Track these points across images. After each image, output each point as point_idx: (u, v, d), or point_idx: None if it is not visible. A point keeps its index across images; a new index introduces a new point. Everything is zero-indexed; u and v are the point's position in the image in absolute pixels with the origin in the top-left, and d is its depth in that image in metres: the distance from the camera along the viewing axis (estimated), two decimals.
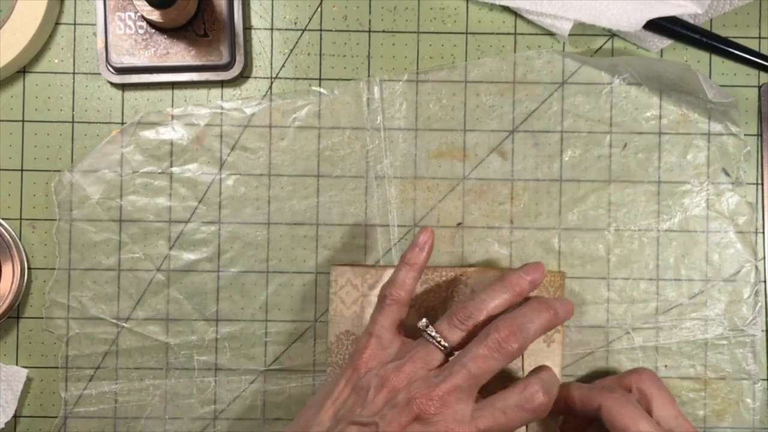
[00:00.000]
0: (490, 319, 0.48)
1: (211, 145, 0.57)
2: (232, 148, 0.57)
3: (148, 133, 0.57)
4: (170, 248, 0.57)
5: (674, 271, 0.56)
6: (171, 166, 0.57)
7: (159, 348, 0.57)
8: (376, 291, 0.53)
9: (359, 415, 0.46)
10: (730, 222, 0.57)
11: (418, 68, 0.57)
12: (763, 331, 0.57)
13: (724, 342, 0.56)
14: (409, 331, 0.50)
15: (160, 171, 0.57)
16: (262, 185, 0.57)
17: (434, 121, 0.57)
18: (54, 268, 0.56)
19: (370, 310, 0.53)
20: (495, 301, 0.49)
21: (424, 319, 0.48)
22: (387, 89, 0.57)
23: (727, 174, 0.57)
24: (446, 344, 0.48)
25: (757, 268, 0.56)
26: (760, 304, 0.56)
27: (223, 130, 0.57)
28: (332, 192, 0.57)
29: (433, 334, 0.48)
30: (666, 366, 0.56)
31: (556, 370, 0.54)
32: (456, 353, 0.48)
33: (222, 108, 0.57)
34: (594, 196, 0.57)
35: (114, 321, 0.56)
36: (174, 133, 0.57)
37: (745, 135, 0.57)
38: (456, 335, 0.48)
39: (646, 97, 0.57)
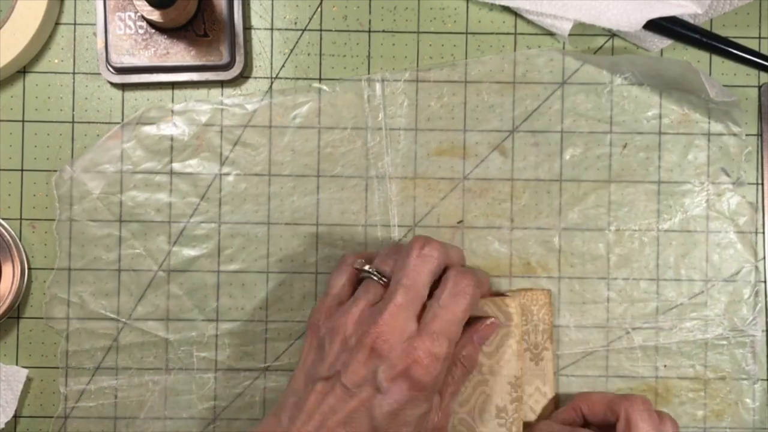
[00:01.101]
0: None
1: (211, 141, 0.57)
2: (233, 145, 0.57)
3: (149, 129, 0.57)
4: (171, 244, 0.56)
5: (674, 270, 0.56)
6: (172, 162, 0.57)
7: (159, 344, 0.57)
8: None
9: (322, 371, 0.47)
10: (730, 222, 0.57)
11: (418, 68, 0.57)
12: (763, 331, 0.57)
13: (724, 342, 0.56)
14: None
15: (160, 167, 0.57)
16: (263, 182, 0.57)
17: (435, 120, 0.57)
18: (54, 269, 0.56)
19: None
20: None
21: (360, 260, 0.50)
22: (388, 87, 0.57)
23: (727, 174, 0.57)
24: (384, 277, 0.49)
25: (757, 268, 0.56)
26: (760, 304, 0.56)
27: (224, 127, 0.57)
28: (333, 190, 0.57)
29: (369, 269, 0.49)
30: (666, 366, 0.56)
31: (548, 388, 0.54)
32: None
33: (223, 104, 0.57)
34: (594, 196, 0.57)
35: (114, 316, 0.56)
36: (175, 128, 0.57)
37: (745, 135, 0.57)
38: (391, 265, 0.49)
39: (647, 97, 0.57)
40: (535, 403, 0.54)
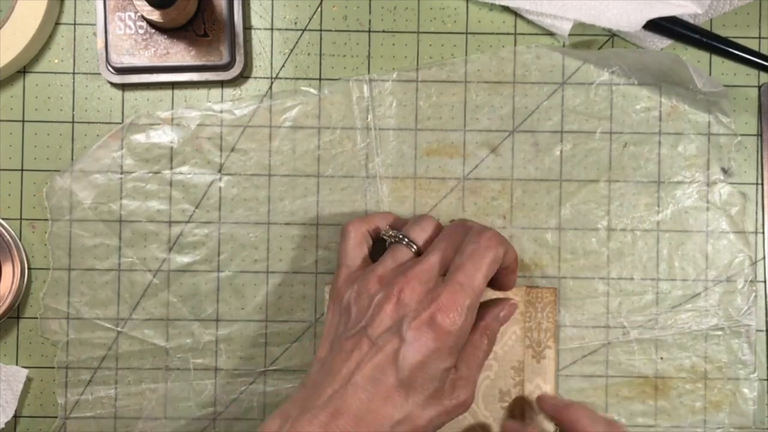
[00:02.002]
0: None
1: (202, 147, 0.57)
2: (224, 150, 0.57)
3: (139, 137, 0.57)
4: (166, 251, 0.56)
5: (668, 263, 0.57)
6: (163, 170, 0.57)
7: (155, 351, 0.57)
8: None
9: (348, 331, 0.47)
10: (722, 213, 0.57)
11: (418, 68, 0.57)
12: (762, 330, 0.57)
13: (720, 333, 0.56)
14: None
15: (151, 174, 0.57)
16: (255, 186, 0.57)
17: (425, 119, 0.57)
18: (47, 280, 0.56)
19: None
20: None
21: (386, 227, 0.51)
22: (376, 88, 0.57)
23: (719, 166, 0.57)
24: (414, 244, 0.49)
25: (750, 258, 0.56)
26: (754, 294, 0.56)
27: (214, 132, 0.57)
28: (325, 192, 0.57)
29: (400, 235, 0.50)
30: (662, 358, 0.56)
31: (549, 387, 0.54)
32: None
33: (213, 110, 0.57)
34: (586, 190, 0.57)
35: (109, 326, 0.56)
36: (165, 135, 0.57)
37: (745, 135, 0.57)
38: (424, 235, 0.50)
39: (637, 90, 0.57)
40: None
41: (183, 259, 0.57)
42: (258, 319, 0.57)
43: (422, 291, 0.46)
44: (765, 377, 0.57)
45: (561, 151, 0.57)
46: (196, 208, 0.57)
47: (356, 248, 0.52)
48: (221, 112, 0.57)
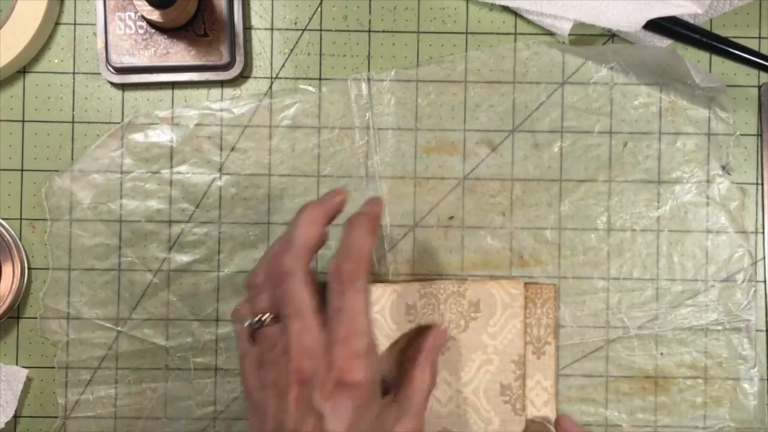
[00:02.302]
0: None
1: (200, 146, 0.57)
2: (223, 149, 0.57)
3: (137, 136, 0.57)
4: (165, 251, 0.56)
5: (667, 259, 0.57)
6: (162, 169, 0.57)
7: (155, 351, 0.56)
8: (377, 308, 0.54)
9: (267, 425, 0.46)
10: (721, 208, 0.57)
11: (418, 65, 0.57)
12: (762, 330, 0.57)
13: (720, 328, 0.56)
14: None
15: (150, 174, 0.57)
16: (254, 185, 0.57)
17: (423, 117, 0.57)
18: (47, 280, 0.56)
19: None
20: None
21: (247, 317, 0.47)
22: (375, 86, 0.57)
23: (718, 162, 0.57)
24: (270, 313, 0.46)
25: (750, 253, 0.56)
26: (753, 289, 0.56)
27: (213, 131, 0.57)
28: (324, 190, 0.57)
29: (254, 320, 0.46)
30: (662, 354, 0.56)
31: (549, 383, 0.54)
32: (267, 317, 0.46)
33: (211, 109, 0.57)
34: (585, 186, 0.57)
35: (109, 326, 0.56)
36: (164, 135, 0.57)
37: (745, 135, 0.57)
38: (261, 304, 0.46)
39: (635, 86, 0.57)
40: (536, 396, 0.55)
41: (182, 259, 0.57)
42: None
43: (314, 362, 0.44)
44: (765, 377, 0.57)
45: (560, 148, 0.57)
46: (196, 207, 0.57)
47: (241, 334, 0.47)
48: (220, 111, 0.57)
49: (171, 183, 0.57)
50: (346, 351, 0.43)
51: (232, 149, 0.57)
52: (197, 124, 0.57)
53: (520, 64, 0.57)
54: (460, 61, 0.57)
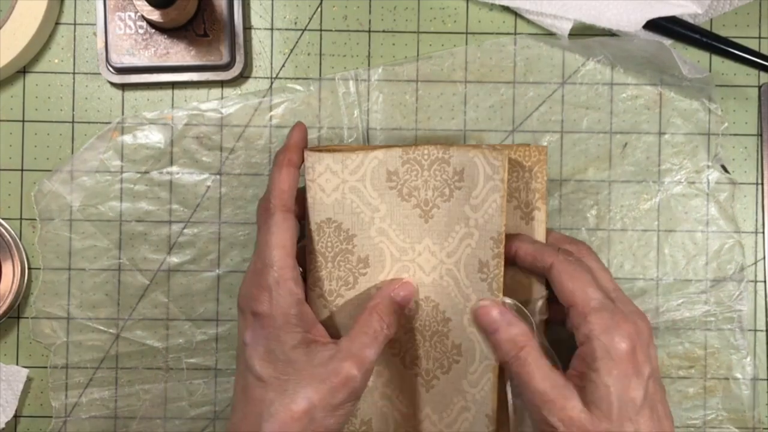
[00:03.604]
0: None
1: (189, 146, 0.57)
2: (211, 149, 0.57)
3: (126, 138, 0.56)
4: (156, 252, 0.56)
5: (658, 250, 0.57)
6: (150, 170, 0.57)
7: (147, 352, 0.56)
8: (358, 176, 0.50)
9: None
10: (711, 199, 0.57)
11: (413, 62, 0.57)
12: (762, 330, 0.57)
13: (712, 318, 0.57)
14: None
15: (139, 175, 0.56)
16: (243, 185, 0.57)
17: (411, 113, 0.57)
18: (39, 281, 0.56)
19: (352, 197, 0.50)
20: None
21: None
22: (362, 84, 0.57)
23: (708, 153, 0.57)
24: None
25: (740, 243, 0.56)
26: (745, 279, 0.56)
27: (201, 132, 0.57)
28: None
29: None
30: (655, 345, 0.56)
31: None
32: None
33: (199, 109, 0.57)
34: (574, 180, 0.57)
35: (102, 327, 0.56)
36: (152, 136, 0.57)
37: (745, 135, 0.57)
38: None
39: (623, 78, 0.57)
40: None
41: (173, 260, 0.56)
42: None
43: (244, 297, 0.49)
44: (766, 377, 0.57)
45: (548, 143, 0.57)
46: (186, 208, 0.56)
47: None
48: (208, 111, 0.57)
49: (160, 184, 0.56)
50: (256, 283, 0.47)
51: (221, 149, 0.57)
52: (185, 125, 0.56)
53: (508, 58, 0.57)
54: (449, 55, 0.57)
